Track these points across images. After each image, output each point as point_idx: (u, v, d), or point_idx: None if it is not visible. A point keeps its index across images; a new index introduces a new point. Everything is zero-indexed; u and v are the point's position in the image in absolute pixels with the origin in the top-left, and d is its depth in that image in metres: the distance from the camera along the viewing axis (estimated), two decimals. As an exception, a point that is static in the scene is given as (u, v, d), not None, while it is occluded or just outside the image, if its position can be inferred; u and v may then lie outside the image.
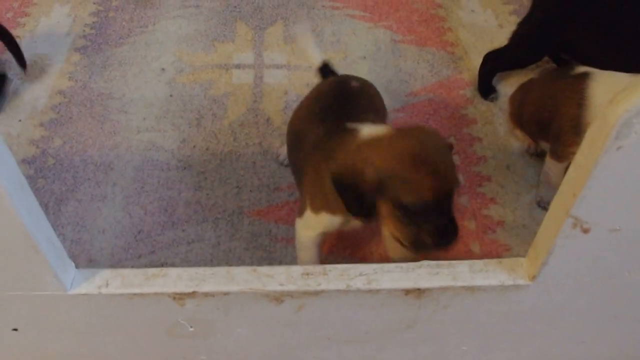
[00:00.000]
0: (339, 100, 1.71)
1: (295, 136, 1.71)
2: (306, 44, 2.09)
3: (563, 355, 1.53)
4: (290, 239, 1.93)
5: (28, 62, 2.56)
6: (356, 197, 1.34)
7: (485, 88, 2.42)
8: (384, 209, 1.35)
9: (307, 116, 1.72)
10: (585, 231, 1.14)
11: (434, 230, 1.32)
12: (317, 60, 2.01)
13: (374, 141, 1.37)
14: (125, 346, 1.45)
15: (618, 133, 0.96)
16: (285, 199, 2.05)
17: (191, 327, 1.37)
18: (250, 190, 2.08)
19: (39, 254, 1.16)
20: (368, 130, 1.44)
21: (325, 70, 2.00)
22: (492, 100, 2.40)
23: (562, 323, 1.42)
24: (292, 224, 1.95)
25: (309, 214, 1.56)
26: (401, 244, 1.40)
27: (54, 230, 1.25)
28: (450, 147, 1.40)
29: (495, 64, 2.41)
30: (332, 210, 1.51)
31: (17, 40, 2.49)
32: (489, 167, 2.14)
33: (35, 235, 1.13)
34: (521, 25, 2.35)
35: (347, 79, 1.86)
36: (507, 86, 2.44)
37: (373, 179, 1.30)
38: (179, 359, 1.49)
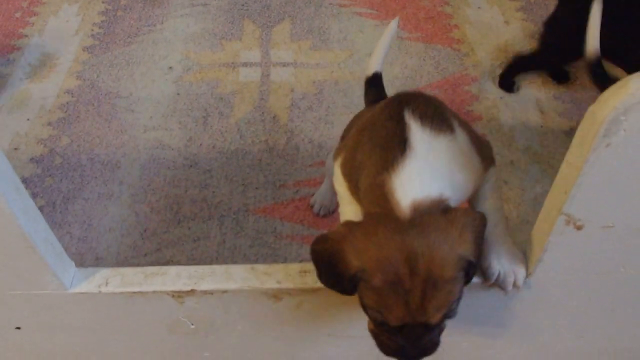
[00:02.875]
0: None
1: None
2: (380, 48, 1.83)
3: (562, 351, 1.54)
4: (295, 236, 1.95)
5: (36, 62, 2.58)
6: (332, 273, 1.13)
7: (507, 84, 2.45)
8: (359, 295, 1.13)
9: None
10: (579, 228, 1.15)
11: (394, 347, 1.13)
12: (372, 69, 1.80)
13: (376, 223, 1.09)
14: (128, 344, 1.46)
15: (606, 130, 0.96)
16: (291, 196, 2.06)
17: (192, 324, 1.38)
18: (256, 188, 2.09)
19: (37, 254, 1.17)
20: (402, 180, 1.10)
21: (374, 82, 1.79)
22: (514, 91, 2.43)
23: (560, 318, 1.43)
24: (297, 222, 1.97)
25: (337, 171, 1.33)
26: None
27: (61, 228, 1.27)
28: (470, 264, 1.09)
29: (522, 68, 2.43)
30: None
31: (26, 39, 2.51)
32: (494, 163, 2.14)
33: (33, 237, 1.14)
34: (549, 28, 2.33)
35: None
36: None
37: (351, 267, 1.07)
38: (182, 357, 1.50)
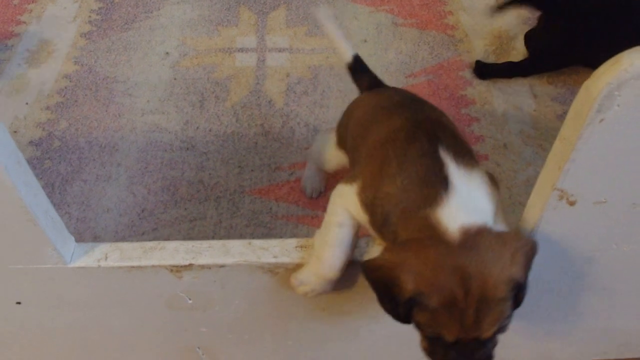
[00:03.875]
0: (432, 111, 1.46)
1: (361, 131, 1.46)
2: (332, 35, 1.82)
3: (554, 330, 1.56)
4: (290, 216, 1.97)
5: (35, 48, 2.60)
6: (388, 298, 1.15)
7: (483, 73, 2.50)
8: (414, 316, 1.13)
9: (377, 114, 1.47)
10: (571, 204, 1.17)
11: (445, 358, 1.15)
12: (347, 54, 1.81)
13: (426, 247, 1.10)
14: (126, 320, 1.48)
15: (600, 106, 0.98)
16: (286, 178, 2.09)
17: (190, 299, 1.40)
18: (252, 170, 2.12)
19: (37, 228, 1.19)
20: (449, 211, 1.13)
21: (357, 65, 1.80)
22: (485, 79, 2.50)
23: (552, 297, 1.45)
24: (292, 202, 1.99)
25: (355, 199, 1.27)
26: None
27: (60, 209, 1.30)
28: (520, 287, 1.11)
29: (507, 73, 2.47)
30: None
31: (24, 26, 2.52)
32: (487, 146, 2.16)
33: (33, 209, 1.16)
34: (539, 35, 2.39)
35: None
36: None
37: (407, 291, 1.09)
38: (179, 332, 1.52)
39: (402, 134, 1.27)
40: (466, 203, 1.13)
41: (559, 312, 1.50)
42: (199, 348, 1.59)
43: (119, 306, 1.44)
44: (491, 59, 2.51)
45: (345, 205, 1.28)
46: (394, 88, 1.75)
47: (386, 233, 1.19)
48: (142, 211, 2.01)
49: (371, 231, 1.26)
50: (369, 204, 1.22)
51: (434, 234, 1.10)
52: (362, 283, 1.33)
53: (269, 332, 1.55)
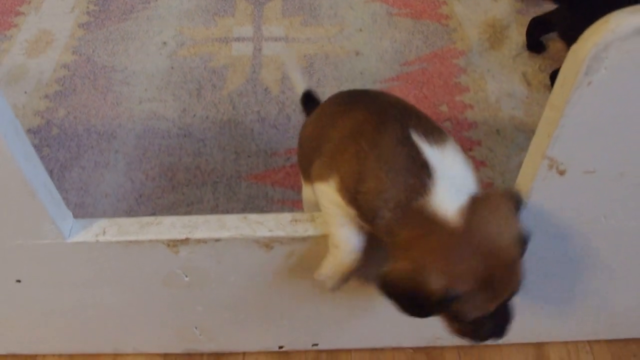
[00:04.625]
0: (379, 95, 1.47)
1: (318, 142, 1.40)
2: (291, 69, 1.98)
3: (546, 306, 1.57)
4: (286, 201, 1.99)
5: (33, 38, 2.62)
6: (415, 305, 1.15)
7: (534, 44, 2.55)
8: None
9: (329, 115, 1.47)
10: (561, 173, 1.18)
11: (490, 330, 1.21)
12: (300, 87, 1.85)
13: (444, 237, 1.11)
14: (124, 298, 1.50)
15: (588, 68, 0.99)
16: (282, 163, 2.11)
17: (186, 276, 1.42)
18: (248, 156, 2.14)
19: (36, 201, 1.21)
20: (439, 198, 1.13)
21: (309, 99, 1.82)
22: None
23: (543, 275, 1.47)
24: (287, 187, 2.01)
25: (334, 195, 1.26)
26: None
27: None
28: (522, 238, 1.14)
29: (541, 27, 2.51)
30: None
31: (23, 17, 2.54)
32: (480, 132, 2.18)
33: (32, 181, 1.18)
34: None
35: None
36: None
37: (438, 293, 1.09)
38: (176, 311, 1.54)
39: (370, 125, 1.26)
40: (452, 183, 1.14)
41: (551, 289, 1.52)
42: (196, 328, 1.61)
43: (117, 284, 1.46)
44: (485, 47, 2.53)
45: (332, 202, 1.27)
46: (333, 95, 1.67)
47: (380, 227, 1.18)
48: (140, 196, 2.03)
49: (362, 223, 1.24)
50: (352, 199, 1.21)
51: (435, 226, 1.11)
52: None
53: (265, 311, 1.57)
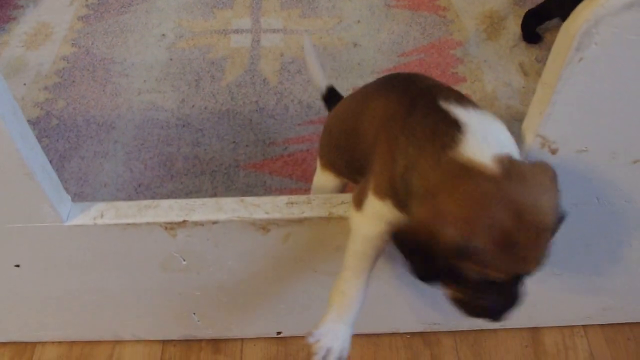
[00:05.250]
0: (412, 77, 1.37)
1: (350, 124, 1.38)
2: (311, 63, 1.79)
3: (539, 288, 1.58)
4: (283, 189, 2.01)
5: (32, 31, 2.64)
6: (425, 261, 1.05)
7: (530, 35, 2.56)
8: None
9: (362, 98, 1.41)
10: (553, 152, 1.19)
11: (484, 306, 1.10)
12: (321, 83, 1.76)
13: (468, 184, 1.00)
14: (122, 282, 1.52)
15: (579, 44, 1.00)
16: (280, 152, 2.12)
17: (184, 260, 1.43)
18: (246, 145, 2.15)
19: (34, 183, 1.22)
20: (473, 146, 1.03)
21: (331, 94, 1.74)
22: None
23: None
24: (285, 176, 2.02)
25: (371, 200, 1.18)
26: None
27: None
28: (561, 213, 1.07)
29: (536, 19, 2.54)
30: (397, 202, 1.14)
31: (22, 10, 2.56)
32: (477, 121, 2.19)
33: (30, 163, 1.19)
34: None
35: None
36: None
37: (452, 244, 0.98)
38: (174, 295, 1.56)
39: (400, 110, 1.18)
40: (487, 136, 1.04)
41: (544, 272, 1.51)
42: (194, 314, 1.62)
43: (115, 268, 1.47)
44: (482, 38, 2.54)
45: (360, 226, 1.21)
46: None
47: (413, 204, 1.07)
48: (139, 186, 2.04)
49: (398, 213, 1.13)
50: (387, 187, 1.13)
51: (469, 172, 1.00)
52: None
53: (263, 296, 1.58)
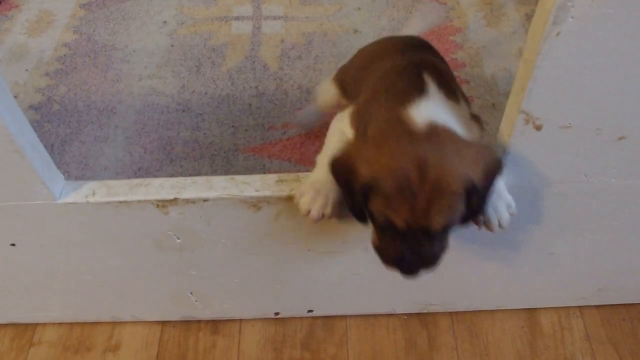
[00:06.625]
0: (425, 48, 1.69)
1: (366, 62, 1.65)
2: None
3: (531, 270, 1.59)
4: (282, 172, 1.99)
5: (34, 18, 2.66)
6: (350, 195, 1.19)
7: None
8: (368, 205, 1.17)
9: (381, 48, 1.68)
10: (538, 128, 1.19)
11: (396, 254, 1.18)
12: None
13: (389, 135, 1.16)
14: (118, 262, 1.53)
15: (555, 18, 1.00)
16: (279, 137, 2.13)
17: (178, 238, 1.45)
18: (246, 130, 2.16)
19: (25, 160, 1.24)
20: (418, 110, 1.21)
21: None
22: None
23: (526, 233, 1.48)
24: (284, 159, 2.04)
25: (345, 117, 1.38)
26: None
27: (59, 168, 1.35)
28: (474, 189, 1.13)
29: None
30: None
31: (25, -4, 2.59)
32: (476, 106, 2.20)
33: (19, 140, 1.21)
34: None
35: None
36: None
37: (363, 179, 1.13)
38: (170, 275, 1.57)
39: (396, 70, 1.39)
40: (437, 108, 1.23)
41: (535, 247, 1.53)
42: (191, 294, 1.63)
43: (110, 247, 1.49)
44: (481, 25, 2.55)
45: (340, 126, 1.37)
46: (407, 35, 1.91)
47: (354, 138, 1.29)
48: (139, 169, 2.06)
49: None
50: (357, 123, 1.32)
51: (400, 126, 1.17)
52: (348, 225, 1.38)
53: (258, 276, 1.59)
